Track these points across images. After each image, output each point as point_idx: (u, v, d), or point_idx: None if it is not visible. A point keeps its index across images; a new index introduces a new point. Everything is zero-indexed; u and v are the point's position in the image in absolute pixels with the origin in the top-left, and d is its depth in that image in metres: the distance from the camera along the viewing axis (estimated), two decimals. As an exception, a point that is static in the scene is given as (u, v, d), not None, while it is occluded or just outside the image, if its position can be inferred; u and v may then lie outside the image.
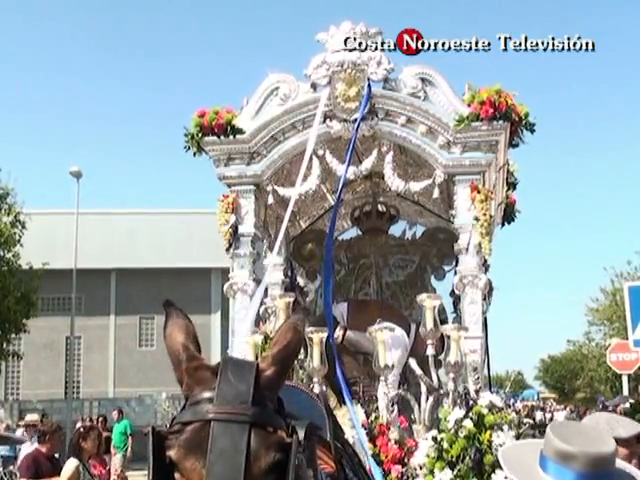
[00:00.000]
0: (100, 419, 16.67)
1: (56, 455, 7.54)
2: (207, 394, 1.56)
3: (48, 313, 28.99)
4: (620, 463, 2.14)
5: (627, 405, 12.87)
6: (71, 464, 6.76)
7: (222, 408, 1.52)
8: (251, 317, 5.91)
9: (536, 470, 2.11)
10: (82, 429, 7.47)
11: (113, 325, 32.67)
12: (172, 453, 1.51)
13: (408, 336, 6.53)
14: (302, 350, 6.12)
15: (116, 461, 14.87)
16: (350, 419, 5.16)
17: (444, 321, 6.48)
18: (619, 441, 2.72)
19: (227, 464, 1.45)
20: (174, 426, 1.55)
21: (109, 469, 13.64)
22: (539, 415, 25.35)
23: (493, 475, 4.92)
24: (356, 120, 6.21)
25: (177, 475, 1.50)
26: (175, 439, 1.52)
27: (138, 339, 32.53)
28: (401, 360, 6.22)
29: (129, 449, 15.16)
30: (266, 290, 6.78)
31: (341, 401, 5.56)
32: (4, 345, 20.87)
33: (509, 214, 8.06)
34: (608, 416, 3.09)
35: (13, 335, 21.30)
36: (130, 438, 15.30)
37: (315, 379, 5.72)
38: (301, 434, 1.81)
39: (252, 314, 5.93)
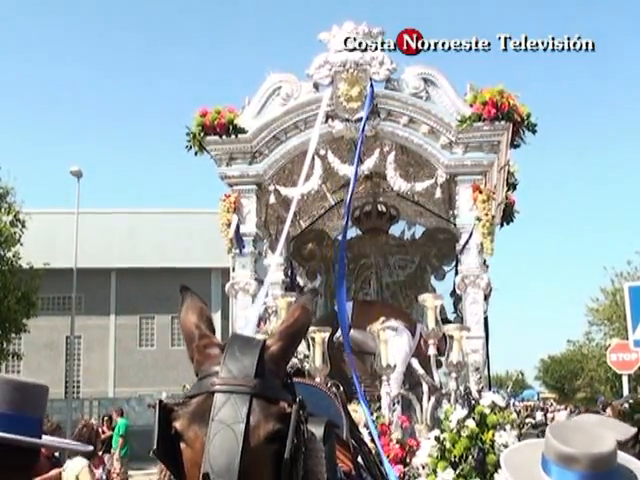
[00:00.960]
0: (105, 419, 16.64)
1: (56, 454, 7.54)
2: (214, 369, 1.62)
3: (48, 313, 28.97)
4: (622, 457, 2.15)
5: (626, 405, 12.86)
6: (80, 464, 6.67)
7: (225, 380, 1.57)
8: (254, 316, 5.91)
9: (538, 473, 2.12)
10: (94, 426, 7.44)
11: (113, 325, 32.67)
12: (177, 424, 1.57)
13: (414, 336, 6.53)
14: (305, 349, 6.13)
15: (115, 461, 14.84)
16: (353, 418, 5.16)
17: (445, 320, 6.48)
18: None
19: (227, 433, 1.50)
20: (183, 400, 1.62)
21: (109, 469, 13.67)
22: (539, 415, 25.33)
23: (496, 475, 4.93)
24: (358, 120, 6.21)
25: (182, 445, 1.56)
26: (180, 411, 1.58)
27: (138, 339, 32.54)
28: (405, 360, 6.23)
29: (117, 449, 15.07)
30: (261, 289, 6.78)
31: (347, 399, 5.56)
32: (4, 345, 20.84)
33: (508, 214, 8.07)
34: (599, 419, 3.06)
35: (13, 335, 21.28)
36: (121, 439, 15.20)
37: (317, 379, 5.72)
38: (320, 431, 1.84)
39: (255, 313, 5.93)
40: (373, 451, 4.14)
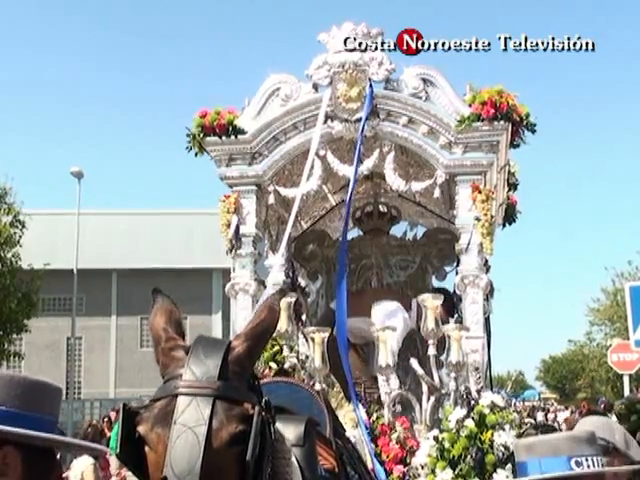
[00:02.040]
0: (105, 420, 16.61)
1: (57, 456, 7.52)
2: (178, 371, 1.61)
3: (49, 314, 28.99)
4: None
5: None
6: (85, 462, 6.66)
7: (189, 383, 1.57)
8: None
9: None
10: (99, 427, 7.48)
11: (114, 326, 32.69)
12: (140, 428, 1.56)
13: (409, 310, 6.55)
14: (306, 350, 6.14)
15: (113, 462, 14.83)
16: (352, 418, 5.18)
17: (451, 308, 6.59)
18: (615, 448, 2.74)
19: (190, 436, 1.49)
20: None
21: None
22: (540, 416, 25.32)
23: (494, 474, 4.94)
24: (357, 120, 6.22)
25: (146, 448, 1.56)
26: (144, 414, 1.58)
27: (139, 339, 32.54)
28: (402, 334, 6.27)
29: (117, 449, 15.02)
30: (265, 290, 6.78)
31: (348, 399, 5.56)
32: (5, 345, 20.87)
33: (510, 215, 8.06)
34: (605, 420, 3.08)
35: (14, 335, 21.30)
36: None
37: (317, 378, 5.73)
38: (300, 429, 1.83)
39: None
40: (370, 451, 4.16)
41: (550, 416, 27.03)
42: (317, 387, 5.52)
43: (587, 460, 2.19)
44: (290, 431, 1.88)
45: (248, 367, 1.68)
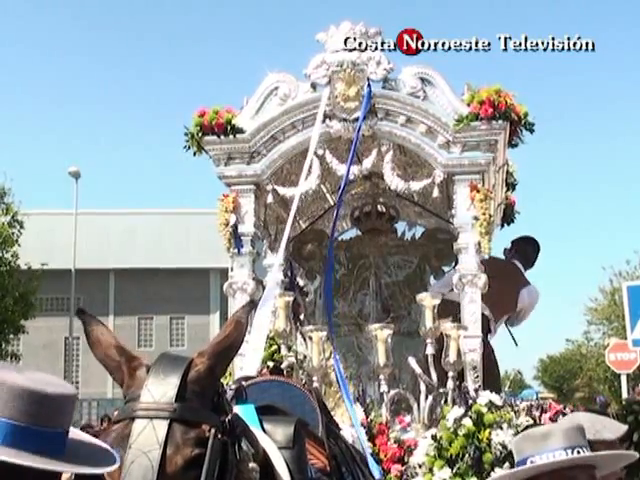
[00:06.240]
0: (103, 420, 16.59)
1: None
2: (137, 392, 1.59)
3: (47, 314, 28.95)
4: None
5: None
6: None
7: (146, 405, 1.54)
8: (265, 321, 5.59)
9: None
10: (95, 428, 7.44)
11: (112, 325, 32.58)
12: None
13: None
14: (304, 350, 6.13)
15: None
16: (350, 417, 5.18)
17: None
18: (605, 443, 2.74)
19: (143, 460, 1.47)
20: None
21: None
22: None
23: (492, 473, 4.94)
24: (355, 120, 6.22)
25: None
26: (101, 438, 1.55)
27: (137, 339, 32.56)
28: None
29: None
30: (265, 290, 6.78)
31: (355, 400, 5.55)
32: (2, 346, 20.84)
33: (509, 215, 8.07)
34: (591, 417, 3.07)
35: (11, 336, 21.27)
36: None
37: (315, 378, 5.73)
38: (289, 430, 1.82)
39: (266, 319, 5.56)
40: (364, 450, 4.15)
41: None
42: (315, 386, 5.52)
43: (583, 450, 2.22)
44: (279, 433, 1.87)
45: (209, 386, 1.63)
